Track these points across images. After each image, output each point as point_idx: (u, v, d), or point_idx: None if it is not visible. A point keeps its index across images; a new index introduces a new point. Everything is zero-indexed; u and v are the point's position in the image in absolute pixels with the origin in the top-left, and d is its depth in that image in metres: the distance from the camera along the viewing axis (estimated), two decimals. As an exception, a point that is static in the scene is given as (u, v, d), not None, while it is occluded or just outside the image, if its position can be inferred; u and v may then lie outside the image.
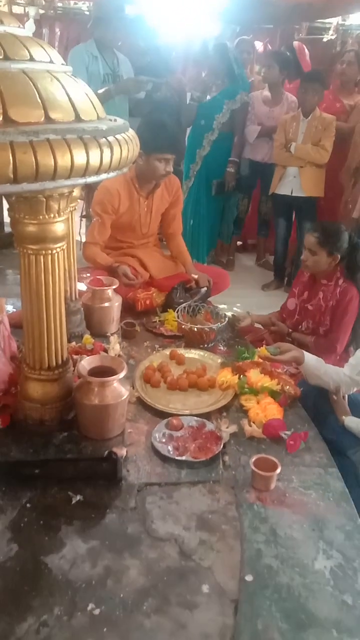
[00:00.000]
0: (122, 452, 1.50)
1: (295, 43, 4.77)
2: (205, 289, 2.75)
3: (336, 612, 1.17)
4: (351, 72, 4.04)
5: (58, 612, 1.13)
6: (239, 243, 5.04)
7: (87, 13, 5.39)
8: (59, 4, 5.74)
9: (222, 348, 2.32)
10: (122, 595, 1.17)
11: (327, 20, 5.28)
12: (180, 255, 2.95)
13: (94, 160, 1.19)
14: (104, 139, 1.22)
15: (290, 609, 1.17)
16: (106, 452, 1.48)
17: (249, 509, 1.43)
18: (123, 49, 3.72)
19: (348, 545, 1.35)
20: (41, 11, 5.66)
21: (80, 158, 1.15)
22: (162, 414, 1.79)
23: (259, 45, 5.04)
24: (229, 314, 2.53)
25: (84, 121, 1.23)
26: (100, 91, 3.28)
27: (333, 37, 5.26)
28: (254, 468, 1.50)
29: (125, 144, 1.30)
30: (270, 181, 4.08)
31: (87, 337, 2.06)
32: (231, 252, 4.79)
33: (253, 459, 1.52)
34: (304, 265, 2.48)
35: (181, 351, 2.20)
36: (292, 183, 3.92)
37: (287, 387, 1.94)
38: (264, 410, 1.80)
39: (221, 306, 2.91)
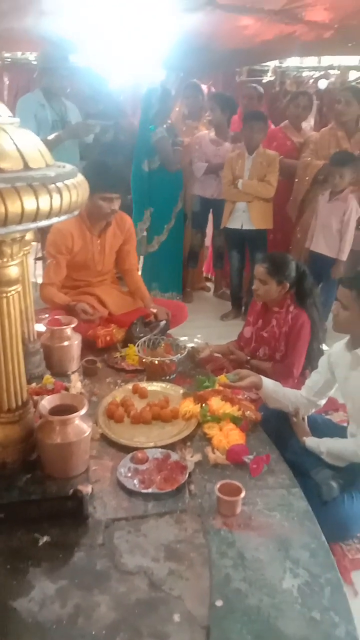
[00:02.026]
0: (87, 489, 1.50)
1: None
2: (164, 322, 2.80)
3: (304, 628, 1.20)
4: (306, 114, 4.35)
5: (28, 657, 1.12)
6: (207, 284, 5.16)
7: (35, 63, 5.53)
8: (7, 54, 5.87)
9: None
10: (93, 632, 1.17)
11: (265, 63, 5.59)
12: (138, 290, 3.00)
13: (44, 206, 1.24)
14: (52, 185, 1.27)
15: (260, 630, 1.19)
16: (71, 491, 1.48)
17: (216, 535, 1.46)
18: (72, 96, 3.83)
19: (313, 563, 1.38)
20: (-11, 62, 5.78)
21: (30, 204, 1.20)
22: (126, 449, 1.80)
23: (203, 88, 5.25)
24: (190, 345, 2.58)
25: (33, 169, 1.28)
26: (50, 137, 3.37)
27: (272, 78, 5.57)
28: (219, 494, 1.52)
29: (75, 189, 1.35)
30: (222, 216, 4.23)
31: (48, 377, 2.07)
32: (189, 285, 4.88)
33: (218, 485, 1.55)
34: (255, 294, 2.57)
35: (143, 384, 2.23)
36: (242, 217, 4.07)
37: (248, 412, 1.98)
38: (227, 437, 1.84)
39: (182, 338, 2.96)
